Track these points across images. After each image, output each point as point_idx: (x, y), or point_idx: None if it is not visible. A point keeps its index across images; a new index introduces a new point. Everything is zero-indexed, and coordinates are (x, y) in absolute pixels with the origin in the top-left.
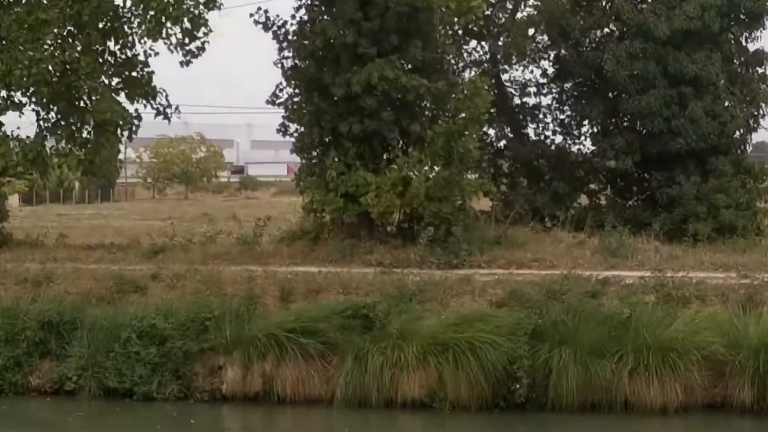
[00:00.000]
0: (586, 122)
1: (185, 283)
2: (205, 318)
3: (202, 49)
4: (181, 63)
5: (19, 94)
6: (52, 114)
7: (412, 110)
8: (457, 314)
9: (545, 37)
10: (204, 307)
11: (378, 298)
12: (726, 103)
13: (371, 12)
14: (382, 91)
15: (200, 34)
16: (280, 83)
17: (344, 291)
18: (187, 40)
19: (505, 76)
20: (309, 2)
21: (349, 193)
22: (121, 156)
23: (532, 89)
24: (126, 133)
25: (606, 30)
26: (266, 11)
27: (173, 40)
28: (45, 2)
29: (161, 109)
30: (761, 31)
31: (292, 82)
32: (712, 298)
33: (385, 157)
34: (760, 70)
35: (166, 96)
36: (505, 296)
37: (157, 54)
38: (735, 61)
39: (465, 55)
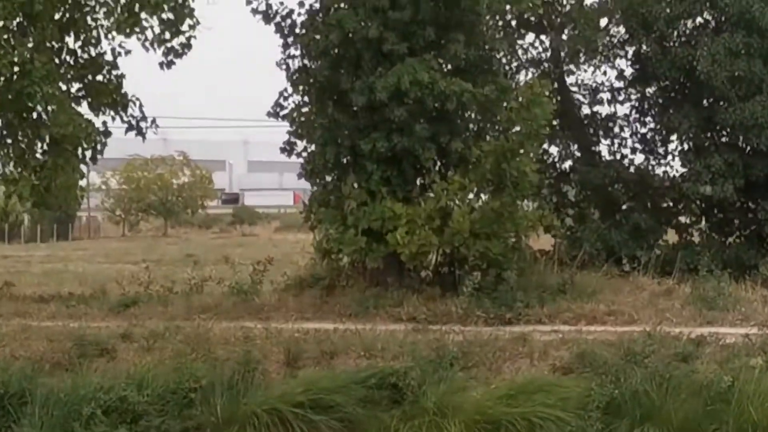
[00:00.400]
0: (674, 137)
1: (164, 345)
2: (189, 389)
3: (187, 45)
4: (162, 64)
5: None
6: None
7: (452, 123)
8: (510, 383)
9: (622, 30)
10: (188, 374)
11: (410, 363)
12: None
13: None
14: (415, 99)
15: (185, 28)
16: (285, 90)
17: (367, 354)
18: (168, 36)
19: (570, 79)
20: None
21: (373, 229)
22: (83, 182)
23: (606, 95)
24: (90, 153)
25: (699, 20)
26: None
27: (149, 34)
28: None
29: (133, 122)
30: None
31: (301, 87)
32: None
33: (418, 182)
34: None
35: (140, 106)
36: (572, 360)
37: (128, 53)
38: None
39: (520, 52)
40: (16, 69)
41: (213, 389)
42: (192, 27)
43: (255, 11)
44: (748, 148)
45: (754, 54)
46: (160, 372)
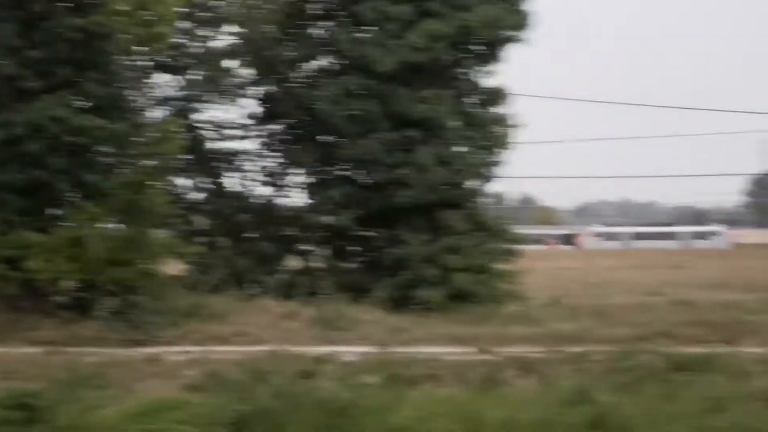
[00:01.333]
0: (297, 171)
1: None
2: None
3: None
4: None
5: None
6: None
7: (87, 156)
8: (141, 402)
9: (252, 71)
10: None
11: (45, 384)
12: (459, 149)
13: (37, 38)
14: (51, 134)
15: None
16: None
17: (2, 376)
18: None
19: (200, 117)
20: None
21: (11, 257)
22: None
23: (233, 132)
24: None
25: (322, 63)
26: None
27: None
28: None
29: None
30: (499, 65)
31: None
32: (447, 378)
33: (54, 212)
34: (498, 111)
35: None
36: (202, 378)
37: None
38: (470, 99)
39: (154, 90)
40: None
41: None
42: None
43: None
44: (366, 181)
45: (371, 95)
46: None
